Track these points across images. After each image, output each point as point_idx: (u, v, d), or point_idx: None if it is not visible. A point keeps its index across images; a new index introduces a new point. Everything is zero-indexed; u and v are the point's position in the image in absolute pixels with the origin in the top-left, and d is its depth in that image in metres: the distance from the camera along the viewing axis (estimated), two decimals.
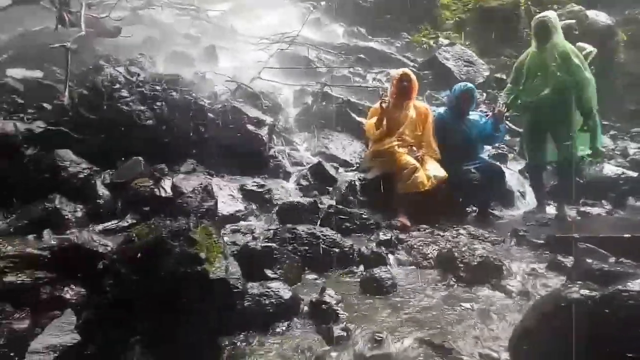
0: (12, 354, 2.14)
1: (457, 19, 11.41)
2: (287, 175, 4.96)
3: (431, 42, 10.44)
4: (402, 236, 3.73)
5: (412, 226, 4.01)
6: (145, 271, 2.36)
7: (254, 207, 4.28)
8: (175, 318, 2.18)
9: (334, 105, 5.84)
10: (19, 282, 2.53)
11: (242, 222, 4.05)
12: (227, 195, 4.26)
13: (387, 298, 2.79)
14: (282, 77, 6.44)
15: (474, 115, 4.63)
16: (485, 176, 4.35)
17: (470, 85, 4.60)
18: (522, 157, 5.61)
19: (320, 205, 4.13)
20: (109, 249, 2.79)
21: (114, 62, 5.66)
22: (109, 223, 3.92)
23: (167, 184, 4.21)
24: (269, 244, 2.98)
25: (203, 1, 9.37)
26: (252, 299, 2.50)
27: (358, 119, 5.66)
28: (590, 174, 5.22)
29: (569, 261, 3.10)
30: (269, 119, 5.30)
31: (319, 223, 3.89)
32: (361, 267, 3.27)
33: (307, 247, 3.31)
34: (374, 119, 4.23)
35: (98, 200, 4.08)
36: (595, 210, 4.65)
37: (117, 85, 4.99)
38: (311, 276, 3.15)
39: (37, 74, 5.96)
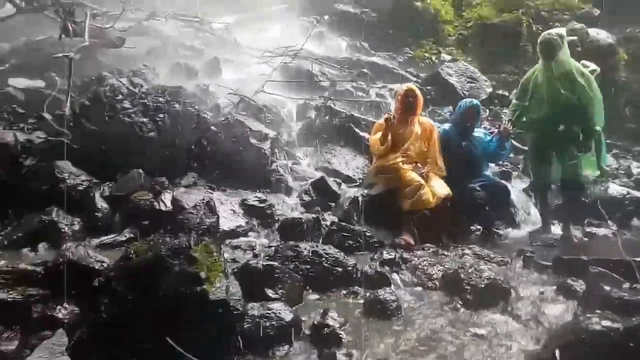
0: None
1: (459, 35, 11.46)
2: (289, 190, 4.89)
3: (433, 57, 10.47)
4: (406, 255, 3.65)
5: (416, 245, 3.93)
6: (142, 290, 2.29)
7: (255, 222, 4.20)
8: (174, 339, 2.10)
9: (337, 119, 5.79)
10: (9, 299, 2.45)
11: (242, 238, 3.97)
12: (228, 210, 4.18)
13: (391, 321, 2.71)
14: (285, 91, 6.40)
15: (478, 132, 4.58)
16: (491, 195, 4.28)
17: (475, 101, 4.56)
18: (526, 175, 5.56)
19: (322, 222, 4.06)
20: (105, 265, 2.71)
21: (117, 73, 5.63)
22: (107, 237, 3.84)
23: (167, 197, 4.14)
24: (271, 263, 2.90)
25: (207, 13, 9.40)
26: (252, 320, 2.41)
27: (361, 133, 5.62)
28: (595, 194, 5.15)
29: (578, 285, 3.01)
30: (271, 133, 5.25)
31: (321, 240, 3.82)
32: (365, 288, 3.18)
33: (309, 266, 3.23)
34: (379, 135, 4.18)
35: (96, 213, 4.02)
36: (601, 231, 4.56)
37: (120, 97, 4.95)
38: (313, 296, 3.07)
39: (39, 83, 5.94)
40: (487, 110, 7.60)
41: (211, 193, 4.34)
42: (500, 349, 2.37)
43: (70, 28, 5.81)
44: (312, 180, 4.86)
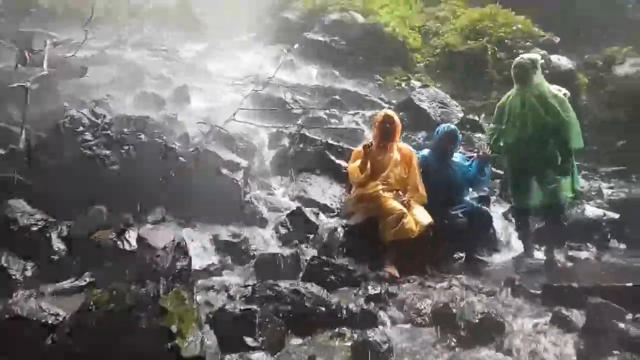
0: None
1: (427, 61, 11.67)
2: (263, 222, 4.65)
3: (403, 84, 10.58)
4: (392, 289, 3.45)
5: (401, 277, 3.75)
6: (104, 348, 2.00)
7: (228, 259, 3.94)
8: None
9: (312, 147, 5.63)
10: None
11: (215, 278, 3.70)
12: (199, 247, 3.92)
13: None
14: (257, 119, 6.22)
15: (457, 158, 4.50)
16: (474, 221, 4.17)
17: (453, 126, 4.50)
18: (505, 199, 5.51)
19: (301, 257, 3.83)
20: (60, 318, 2.39)
21: (79, 103, 5.32)
22: (64, 282, 3.50)
23: (132, 236, 3.83)
24: (249, 307, 2.64)
25: (175, 41, 9.23)
26: None
27: (337, 161, 5.46)
28: (572, 216, 5.13)
29: (573, 315, 2.88)
30: (244, 162, 5.03)
31: (300, 277, 3.58)
32: (351, 328, 2.95)
33: (290, 307, 2.98)
34: (358, 162, 4.03)
35: (52, 256, 3.67)
36: (582, 254, 4.51)
37: (81, 128, 4.65)
38: (296, 341, 2.82)
39: None
40: (460, 135, 7.62)
41: (180, 229, 4.06)
42: None
43: (28, 57, 5.49)
44: (289, 211, 4.64)
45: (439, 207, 4.15)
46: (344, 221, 4.37)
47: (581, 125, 4.29)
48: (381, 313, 3.17)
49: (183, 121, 5.50)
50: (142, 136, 4.74)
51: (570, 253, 4.54)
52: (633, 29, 12.44)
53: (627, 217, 5.23)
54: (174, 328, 1.97)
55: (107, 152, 4.50)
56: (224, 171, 4.78)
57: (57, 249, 3.71)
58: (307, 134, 5.85)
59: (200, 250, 3.88)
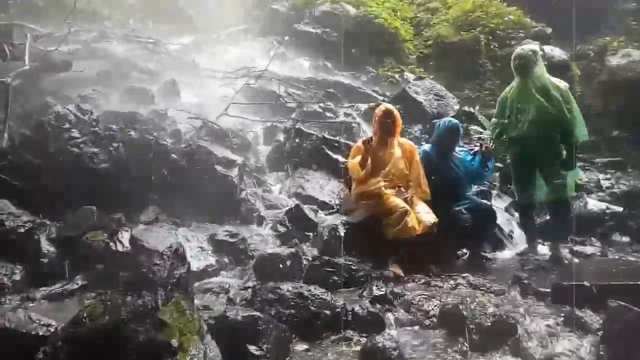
0: None
1: (419, 53, 11.54)
2: (261, 220, 4.50)
3: (396, 75, 10.44)
4: (397, 290, 3.33)
5: (406, 276, 3.63)
6: None
7: (226, 260, 3.79)
8: None
9: (308, 142, 5.48)
10: None
11: (214, 279, 3.55)
12: (196, 248, 3.76)
13: None
14: (250, 113, 6.05)
15: (459, 152, 4.38)
16: (478, 217, 4.07)
17: (454, 120, 4.37)
18: (505, 193, 5.42)
19: (302, 256, 3.69)
20: (52, 329, 2.22)
21: (64, 99, 5.09)
22: (54, 287, 3.34)
23: (124, 236, 3.68)
24: (252, 313, 2.49)
25: (162, 34, 8.97)
26: None
27: (334, 156, 5.32)
28: (574, 210, 5.05)
29: (587, 316, 2.79)
30: (238, 159, 4.87)
31: (302, 278, 3.44)
32: (357, 331, 2.83)
33: (293, 311, 2.84)
34: (358, 159, 3.89)
35: (42, 259, 3.50)
36: (588, 250, 4.44)
37: (67, 125, 4.43)
38: (301, 346, 2.68)
39: None
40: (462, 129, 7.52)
41: (175, 229, 3.89)
42: None
43: (7, 51, 5.24)
44: (287, 208, 4.49)
45: (442, 203, 4.03)
46: (344, 218, 4.24)
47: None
48: (387, 315, 3.04)
49: (173, 117, 5.31)
50: (132, 133, 4.55)
51: (575, 248, 4.46)
52: (623, 18, 12.44)
53: (630, 209, 5.19)
54: (174, 342, 1.82)
55: (95, 149, 4.31)
56: (218, 168, 4.62)
57: (46, 251, 3.54)
58: (303, 129, 5.69)
59: (197, 251, 3.73)
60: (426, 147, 4.38)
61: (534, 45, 4.45)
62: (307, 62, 9.78)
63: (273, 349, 2.43)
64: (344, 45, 10.71)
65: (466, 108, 8.79)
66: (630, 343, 2.16)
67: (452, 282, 3.53)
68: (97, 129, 4.48)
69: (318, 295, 2.95)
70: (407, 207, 3.75)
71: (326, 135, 5.57)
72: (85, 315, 1.98)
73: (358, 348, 2.63)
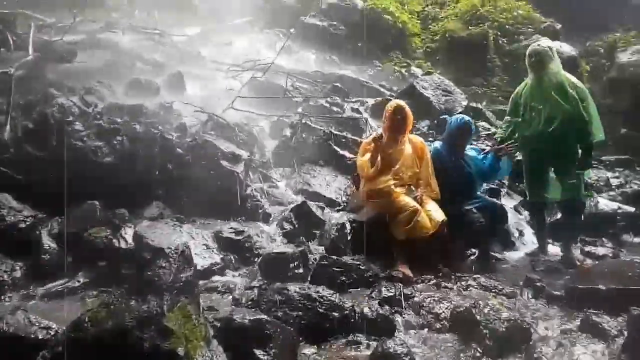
0: None
1: (426, 47, 11.40)
2: (266, 217, 4.41)
3: (403, 70, 10.31)
4: (406, 291, 3.25)
5: (415, 277, 3.55)
6: None
7: (232, 258, 3.71)
8: None
9: (315, 137, 5.38)
10: None
11: (218, 278, 3.47)
12: (201, 245, 3.67)
13: None
14: (256, 107, 5.95)
15: (470, 151, 4.28)
16: (489, 217, 3.97)
17: (467, 118, 4.26)
18: (515, 191, 5.33)
19: (308, 255, 3.61)
20: (52, 332, 2.16)
21: (68, 90, 5.00)
22: (56, 283, 3.27)
23: (128, 232, 3.60)
24: (259, 317, 2.42)
25: (167, 25, 8.85)
26: None
27: (341, 152, 5.22)
28: (586, 210, 4.95)
29: (605, 322, 2.71)
30: (245, 154, 4.77)
31: (309, 278, 3.37)
32: (366, 334, 2.76)
33: (301, 313, 2.78)
34: (367, 156, 3.79)
35: (43, 255, 3.43)
36: (600, 251, 4.34)
37: (70, 117, 4.36)
38: (309, 350, 2.62)
39: None
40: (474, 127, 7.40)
41: (180, 226, 3.82)
42: None
43: (11, 41, 5.15)
44: (293, 205, 4.40)
45: (453, 202, 3.94)
46: (352, 216, 4.16)
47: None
48: (396, 317, 2.97)
49: (179, 110, 5.21)
50: (137, 126, 4.47)
51: (587, 249, 4.36)
52: (636, 14, 12.23)
53: None
54: (180, 351, 1.74)
55: (99, 143, 4.24)
56: (224, 163, 4.53)
57: (47, 247, 3.47)
58: (310, 123, 5.59)
59: (202, 249, 3.65)
60: (437, 144, 4.27)
61: (549, 41, 4.32)
62: (314, 55, 9.66)
63: (280, 353, 2.36)
64: (350, 39, 10.58)
65: (474, 104, 8.66)
66: None
67: (462, 283, 3.45)
68: (101, 121, 4.40)
69: (326, 297, 2.88)
70: (418, 206, 3.66)
71: (333, 131, 5.47)
72: (87, 319, 1.90)
73: (368, 353, 2.56)
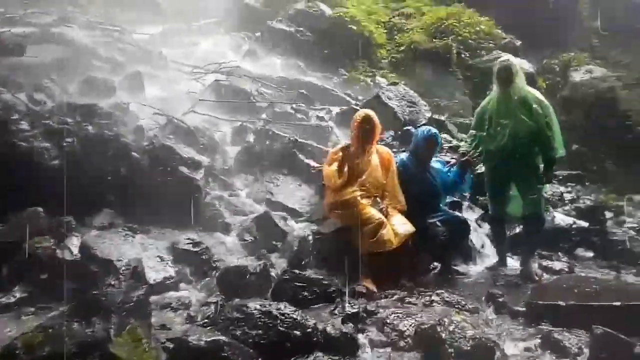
0: None
1: (392, 58, 11.50)
2: (226, 228, 4.24)
3: (368, 79, 10.35)
4: (370, 307, 3.17)
5: (379, 292, 3.47)
6: None
7: (187, 271, 3.51)
8: None
9: (279, 144, 5.25)
10: None
11: (172, 293, 3.27)
12: (154, 258, 3.47)
13: None
14: (219, 112, 5.76)
15: (435, 163, 4.27)
16: (452, 231, 3.96)
17: (434, 130, 4.25)
18: (476, 205, 5.37)
19: (270, 269, 3.47)
20: None
21: (14, 86, 4.66)
22: None
23: (74, 243, 3.35)
24: (216, 338, 2.26)
25: (127, 23, 8.50)
26: None
27: (306, 160, 5.12)
28: None
29: (566, 339, 2.72)
30: (205, 160, 4.59)
31: (270, 293, 3.22)
32: (329, 354, 2.64)
33: (261, 331, 2.63)
34: (334, 166, 3.70)
35: None
36: (556, 265, 4.42)
37: (16, 116, 4.06)
38: None
39: None
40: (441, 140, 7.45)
41: (132, 236, 3.59)
42: None
43: None
44: (254, 215, 4.25)
45: (417, 215, 3.90)
46: (315, 227, 4.05)
47: None
48: (360, 335, 2.87)
49: (136, 111, 4.96)
50: (89, 127, 4.21)
51: (544, 263, 4.43)
52: (587, 36, 12.83)
53: (594, 224, 5.25)
54: None
55: (47, 144, 3.96)
56: (183, 169, 4.33)
57: None
58: (274, 130, 5.46)
59: (156, 261, 3.44)
60: (403, 156, 4.24)
61: (514, 58, 4.39)
62: (279, 60, 9.53)
63: None
64: (317, 46, 10.53)
65: (437, 116, 8.79)
66: None
67: (426, 298, 3.39)
68: (50, 121, 4.11)
69: (288, 314, 2.75)
70: (383, 218, 3.60)
71: (298, 138, 5.35)
72: (20, 344, 1.69)
73: None
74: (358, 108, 6.84)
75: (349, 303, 3.16)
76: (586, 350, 2.58)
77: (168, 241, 3.68)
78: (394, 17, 12.59)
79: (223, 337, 2.30)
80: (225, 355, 2.21)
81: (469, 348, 2.55)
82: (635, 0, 12.04)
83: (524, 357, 2.65)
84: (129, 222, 3.82)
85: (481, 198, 5.34)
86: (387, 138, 7.06)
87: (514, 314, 3.26)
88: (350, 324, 2.93)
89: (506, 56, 4.31)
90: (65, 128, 4.09)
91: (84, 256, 3.19)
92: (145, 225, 3.87)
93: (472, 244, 4.66)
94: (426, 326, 2.80)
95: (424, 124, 7.79)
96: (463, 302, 3.35)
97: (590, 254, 5.03)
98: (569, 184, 8.12)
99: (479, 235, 4.88)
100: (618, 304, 2.94)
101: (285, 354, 2.59)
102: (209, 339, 2.22)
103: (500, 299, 3.40)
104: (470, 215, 5.20)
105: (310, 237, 3.87)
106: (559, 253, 4.89)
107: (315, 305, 3.20)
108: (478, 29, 11.46)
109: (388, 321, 3.00)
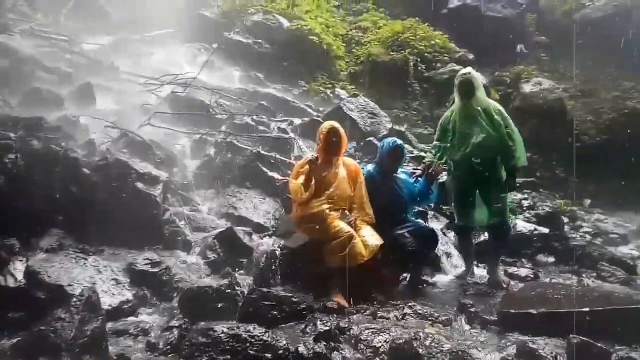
0: None
1: (350, 70, 11.59)
2: (187, 245, 4.02)
3: (328, 91, 10.36)
4: (342, 324, 3.04)
5: (350, 307, 3.36)
6: None
7: (147, 293, 3.27)
8: None
9: (241, 157, 5.08)
10: None
11: (131, 319, 3.02)
12: (109, 281, 3.21)
13: None
14: (176, 124, 5.53)
15: (401, 174, 4.24)
16: (420, 241, 3.91)
17: (399, 141, 4.22)
18: (441, 214, 5.40)
19: (236, 288, 3.29)
20: None
21: None
22: None
23: (18, 267, 3.05)
24: None
25: (75, 32, 8.09)
26: None
27: (270, 173, 4.97)
28: None
29: (539, 347, 2.70)
30: (163, 175, 4.35)
31: (237, 314, 3.04)
32: None
33: (229, 356, 2.47)
34: (301, 179, 3.58)
35: None
36: (522, 272, 4.48)
37: None
38: None
39: None
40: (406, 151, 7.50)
41: (85, 258, 3.31)
42: None
43: None
44: (217, 231, 4.05)
45: (385, 227, 3.83)
46: (282, 242, 3.91)
47: None
48: (334, 354, 2.74)
49: (87, 125, 4.67)
50: (34, 142, 3.88)
51: (509, 270, 4.48)
52: (535, 50, 13.44)
53: (554, 230, 5.39)
54: None
55: None
56: (139, 185, 4.07)
57: None
58: (235, 142, 5.29)
59: (111, 284, 3.18)
60: (369, 167, 4.18)
61: (472, 69, 4.44)
62: (238, 72, 9.37)
63: None
64: (276, 58, 10.45)
65: (397, 127, 8.88)
66: None
67: (398, 311, 3.31)
68: None
69: (257, 336, 2.59)
70: (353, 231, 3.50)
71: (261, 151, 5.20)
72: None
73: None
74: (320, 119, 6.80)
75: (321, 320, 3.02)
76: (561, 359, 2.57)
77: (124, 262, 3.42)
78: (351, 30, 12.74)
79: None
80: None
81: None
82: (575, 18, 12.74)
83: None
84: (81, 242, 3.52)
85: (445, 207, 5.38)
86: (350, 149, 7.03)
87: (485, 323, 3.25)
88: (323, 343, 2.80)
89: (467, 69, 4.34)
90: (6, 143, 3.75)
91: (30, 282, 2.90)
92: (99, 246, 3.58)
93: (440, 253, 4.66)
94: (401, 341, 2.71)
95: (385, 135, 7.87)
96: (436, 314, 3.30)
97: (551, 259, 5.14)
98: (524, 191, 8.40)
99: (446, 245, 4.89)
100: (587, 309, 2.96)
101: None
102: None
103: (472, 309, 3.37)
104: (436, 224, 5.22)
105: (277, 252, 3.71)
106: (522, 259, 4.97)
107: (285, 324, 3.05)
108: (433, 42, 11.77)
109: (362, 337, 2.89)
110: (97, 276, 3.17)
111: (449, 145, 4.20)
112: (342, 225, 3.52)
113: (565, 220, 6.57)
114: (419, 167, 4.54)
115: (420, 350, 2.56)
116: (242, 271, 3.75)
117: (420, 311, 3.32)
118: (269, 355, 2.53)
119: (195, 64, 8.96)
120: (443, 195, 4.67)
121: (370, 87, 10.96)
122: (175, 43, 10.18)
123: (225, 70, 9.42)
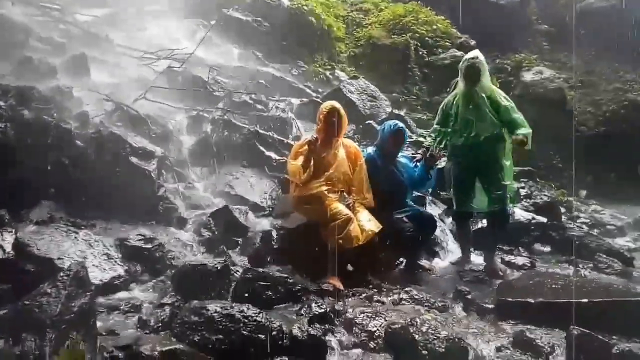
0: None
1: (351, 52, 11.42)
2: (182, 222, 3.94)
3: (327, 72, 10.20)
4: (337, 307, 3.00)
5: (345, 289, 3.32)
6: None
7: (138, 269, 3.21)
8: None
9: (239, 135, 4.97)
10: None
11: (122, 294, 2.97)
12: (101, 255, 3.13)
13: None
14: (172, 100, 5.39)
15: (402, 158, 4.17)
16: (419, 226, 3.87)
17: (400, 124, 4.14)
18: (440, 200, 5.35)
19: (230, 267, 3.23)
20: None
21: None
22: None
23: (7, 239, 2.96)
24: (172, 347, 2.02)
25: (70, 3, 7.84)
26: None
27: (267, 152, 4.88)
28: None
29: (537, 337, 2.67)
30: (158, 150, 4.25)
31: (231, 294, 2.99)
32: (297, 358, 2.47)
33: (221, 336, 2.41)
34: (300, 160, 3.50)
35: None
36: (519, 260, 4.44)
37: None
38: None
39: None
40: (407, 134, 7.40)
41: (76, 232, 3.23)
42: None
43: None
44: (213, 210, 3.98)
45: (383, 210, 3.78)
46: (278, 222, 3.84)
47: None
48: (329, 337, 2.71)
49: (81, 97, 4.53)
50: (25, 111, 3.76)
51: (506, 258, 4.44)
52: (536, 38, 13.30)
53: (551, 220, 5.36)
54: None
55: None
56: (133, 159, 3.98)
57: None
58: (233, 120, 5.17)
59: (102, 259, 3.11)
60: (370, 150, 4.10)
61: (479, 52, 4.33)
62: (236, 49, 9.16)
63: None
64: (275, 36, 10.24)
65: (396, 111, 8.77)
66: None
67: (394, 296, 3.28)
68: None
69: (251, 317, 2.54)
70: (351, 214, 3.44)
71: (259, 129, 5.10)
72: None
73: None
74: (319, 100, 6.68)
75: (316, 302, 2.98)
76: (558, 349, 2.55)
77: (116, 237, 3.34)
78: (352, 11, 12.51)
79: (179, 345, 2.05)
80: None
81: (443, 350, 2.44)
82: (578, 8, 12.59)
83: (497, 356, 2.57)
84: (72, 216, 3.44)
85: (443, 193, 5.32)
86: (349, 132, 6.94)
87: (482, 311, 3.22)
88: (318, 325, 2.75)
89: (474, 53, 4.22)
90: None
91: (19, 254, 2.82)
92: (91, 220, 3.50)
93: (437, 239, 4.61)
94: (397, 326, 2.68)
95: (385, 119, 7.77)
96: (432, 300, 3.27)
97: (548, 249, 5.12)
98: (521, 179, 8.37)
99: (443, 231, 4.85)
100: (585, 300, 2.93)
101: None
102: (164, 349, 1.97)
103: (469, 296, 3.34)
104: (434, 210, 5.16)
105: (274, 233, 3.65)
106: (520, 248, 4.93)
107: (280, 306, 3.01)
108: (435, 27, 11.59)
109: (357, 321, 2.86)
110: (88, 250, 3.10)
111: (450, 130, 4.12)
112: (341, 208, 3.46)
113: (562, 210, 6.54)
114: (419, 152, 4.46)
115: (417, 337, 2.52)
116: (237, 250, 3.68)
117: (416, 296, 3.29)
118: (262, 337, 2.48)
119: (194, 40, 8.75)
120: (441, 181, 4.61)
121: (370, 70, 10.80)
122: (174, 18, 9.93)
123: (225, 47, 9.22)
